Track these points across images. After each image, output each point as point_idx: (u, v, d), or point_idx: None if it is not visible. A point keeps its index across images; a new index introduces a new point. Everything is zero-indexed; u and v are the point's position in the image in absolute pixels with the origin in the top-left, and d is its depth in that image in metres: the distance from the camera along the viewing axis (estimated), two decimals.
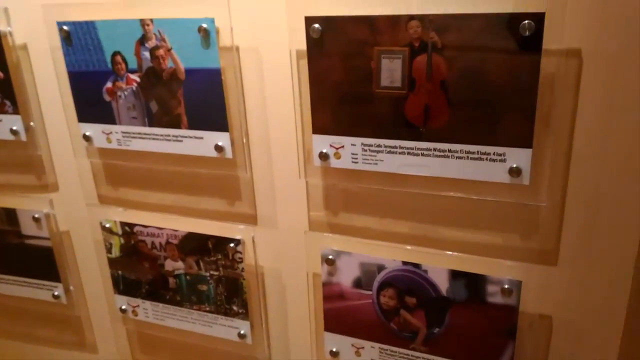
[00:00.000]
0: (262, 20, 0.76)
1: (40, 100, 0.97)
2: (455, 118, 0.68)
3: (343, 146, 0.76)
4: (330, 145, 0.76)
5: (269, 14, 0.75)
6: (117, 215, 0.99)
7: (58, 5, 0.87)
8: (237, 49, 0.79)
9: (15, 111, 0.97)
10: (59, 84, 0.92)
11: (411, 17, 0.66)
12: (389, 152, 0.73)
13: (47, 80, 0.95)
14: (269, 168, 0.85)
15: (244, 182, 0.88)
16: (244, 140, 0.83)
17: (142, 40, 0.82)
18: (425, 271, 0.77)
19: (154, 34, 0.80)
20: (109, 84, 0.87)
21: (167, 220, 0.94)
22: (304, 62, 0.74)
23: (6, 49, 0.93)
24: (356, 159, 0.76)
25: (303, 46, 0.73)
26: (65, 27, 0.86)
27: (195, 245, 0.93)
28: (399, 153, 0.73)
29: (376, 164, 0.75)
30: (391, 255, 0.79)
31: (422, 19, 0.65)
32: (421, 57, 0.67)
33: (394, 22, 0.67)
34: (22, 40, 0.94)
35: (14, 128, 0.98)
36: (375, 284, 0.81)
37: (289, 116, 0.80)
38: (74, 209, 1.03)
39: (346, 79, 0.72)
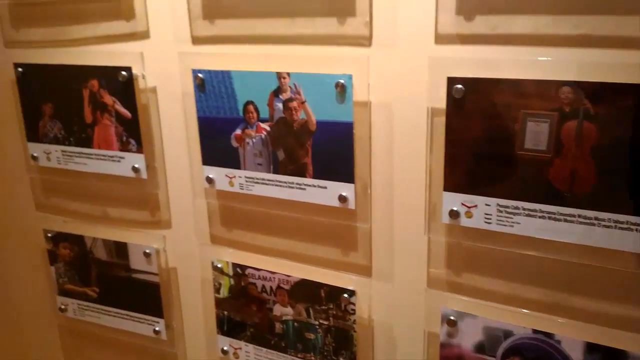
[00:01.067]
0: (398, 77, 0.79)
1: (164, 142, 1.04)
2: (603, 185, 0.68)
3: (476, 205, 0.76)
4: (462, 204, 0.77)
5: (407, 72, 0.78)
6: (229, 256, 1.02)
7: (194, 54, 0.93)
8: (370, 103, 0.82)
9: (139, 150, 1.03)
10: (186, 128, 0.98)
11: (564, 83, 0.67)
12: (527, 215, 0.73)
13: (174, 123, 1.01)
14: (389, 221, 0.86)
15: (363, 233, 0.89)
16: (369, 192, 0.85)
17: (277, 92, 0.86)
18: (559, 342, 0.75)
19: (289, 86, 0.85)
20: (238, 131, 0.92)
21: (280, 265, 0.97)
22: (439, 120, 0.76)
23: (137, 91, 1.00)
24: (490, 219, 0.76)
25: (440, 104, 0.75)
26: (200, 75, 0.92)
27: (307, 293, 0.95)
28: (539, 217, 0.72)
29: (512, 226, 0.75)
30: (520, 322, 0.78)
31: (575, 85, 0.66)
32: (571, 122, 0.68)
33: (544, 87, 0.68)
34: (152, 84, 1.01)
35: (136, 166, 1.04)
36: (500, 351, 0.80)
37: (417, 172, 0.81)
38: (185, 247, 1.08)
39: (486, 139, 0.73)
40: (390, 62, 0.79)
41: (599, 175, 0.68)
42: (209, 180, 0.97)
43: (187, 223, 1.06)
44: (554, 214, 0.71)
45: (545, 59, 0.68)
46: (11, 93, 1.12)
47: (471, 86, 0.72)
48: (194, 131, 0.96)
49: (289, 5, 0.84)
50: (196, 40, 0.94)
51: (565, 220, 0.71)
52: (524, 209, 0.73)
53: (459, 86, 0.72)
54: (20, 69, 1.08)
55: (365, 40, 0.80)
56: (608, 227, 0.69)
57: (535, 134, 0.70)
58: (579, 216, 0.70)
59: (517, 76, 0.69)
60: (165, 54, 0.97)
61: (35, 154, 1.13)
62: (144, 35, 0.98)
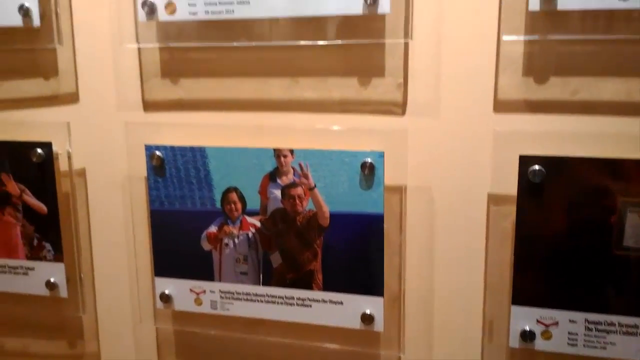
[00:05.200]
0: (441, 154, 0.68)
1: (94, 245, 0.84)
2: None
3: (557, 323, 0.65)
4: (538, 322, 0.66)
5: (453, 147, 0.67)
6: None
7: (149, 124, 0.77)
8: (405, 189, 0.70)
9: (58, 258, 0.83)
10: (132, 226, 0.80)
11: None
12: (625, 332, 0.63)
13: (111, 218, 0.82)
14: (427, 348, 0.73)
15: None
16: (401, 311, 0.72)
17: (274, 175, 0.72)
18: None
19: (292, 167, 0.71)
20: (212, 229, 0.76)
21: None
22: (500, 210, 0.66)
23: (57, 175, 0.82)
24: (575, 340, 0.65)
25: (506, 190, 0.65)
26: (158, 153, 0.76)
27: None
28: None
29: (604, 348, 0.64)
30: None
31: None
32: None
33: None
34: (80, 165, 0.83)
35: (52, 280, 0.83)
36: None
37: (469, 279, 0.70)
38: None
39: (571, 235, 0.63)
40: (431, 135, 0.68)
41: None
42: (165, 298, 0.79)
43: (127, 358, 0.86)
44: None
45: None
46: None
47: (553, 167, 0.62)
48: (143, 230, 0.79)
49: (288, 60, 0.72)
50: (150, 105, 0.78)
51: None
52: (621, 325, 0.63)
53: (537, 167, 0.63)
54: None
55: (397, 108, 0.69)
56: None
57: (638, 228, 0.61)
58: None
59: (612, 154, 0.61)
60: (102, 124, 0.80)
61: None
62: (71, 98, 0.81)
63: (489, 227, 0.66)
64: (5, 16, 0.75)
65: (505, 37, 0.62)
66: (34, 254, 0.83)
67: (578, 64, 0.61)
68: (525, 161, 0.62)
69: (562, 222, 0.63)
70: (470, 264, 0.68)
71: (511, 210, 0.64)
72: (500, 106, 0.65)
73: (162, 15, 0.70)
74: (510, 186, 0.64)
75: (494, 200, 0.66)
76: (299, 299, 0.73)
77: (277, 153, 0.70)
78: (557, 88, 0.63)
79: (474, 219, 0.67)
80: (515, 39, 0.62)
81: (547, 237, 0.63)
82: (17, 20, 0.75)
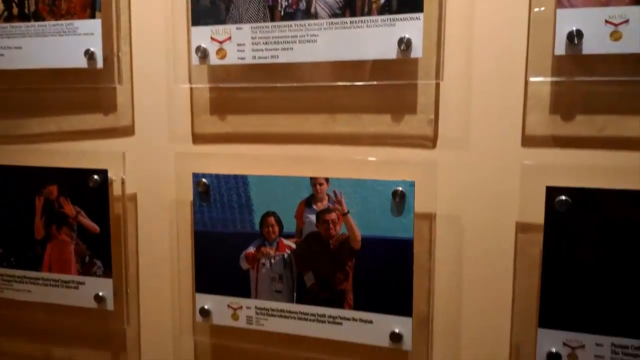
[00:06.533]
0: (470, 185, 0.60)
1: (141, 263, 0.75)
2: None
3: (583, 346, 0.56)
4: (565, 344, 0.56)
5: (482, 178, 0.60)
6: None
7: (197, 154, 0.69)
8: (434, 216, 0.61)
9: (107, 274, 0.74)
10: (177, 245, 0.71)
11: None
12: None
13: (157, 238, 0.74)
14: None
15: None
16: (430, 329, 0.62)
17: (309, 201, 0.63)
18: None
19: (327, 194, 0.63)
20: (251, 249, 0.67)
21: None
22: (527, 237, 0.58)
23: (111, 199, 0.73)
24: None
25: (532, 219, 0.56)
26: (204, 180, 0.67)
27: None
28: None
29: None
30: None
31: None
32: None
33: None
34: (132, 190, 0.74)
35: (100, 294, 0.74)
36: None
37: (496, 303, 0.60)
38: None
39: (598, 262, 0.54)
40: (461, 167, 0.60)
41: None
42: (204, 312, 0.69)
43: None
44: None
45: None
46: None
47: (579, 198, 0.54)
48: (187, 250, 0.70)
49: (326, 99, 0.64)
50: (198, 138, 0.70)
51: None
52: None
53: (564, 198, 0.54)
54: None
55: (428, 142, 0.61)
56: None
57: None
58: None
59: (635, 187, 0.52)
60: (154, 154, 0.72)
61: None
62: (128, 131, 0.73)
63: (517, 254, 0.58)
64: (73, 59, 0.70)
65: (532, 79, 0.54)
66: (85, 270, 0.74)
67: (604, 103, 0.54)
68: (552, 192, 0.54)
69: (587, 249, 0.54)
70: (498, 288, 0.60)
71: (538, 238, 0.56)
72: (528, 141, 0.57)
73: (214, 59, 0.63)
74: (537, 215, 0.56)
75: (521, 228, 0.57)
76: (330, 316, 0.63)
77: (313, 181, 0.62)
78: (584, 125, 0.55)
79: (502, 245, 0.59)
80: (542, 80, 0.54)
81: (574, 263, 0.54)
82: (82, 63, 0.70)
